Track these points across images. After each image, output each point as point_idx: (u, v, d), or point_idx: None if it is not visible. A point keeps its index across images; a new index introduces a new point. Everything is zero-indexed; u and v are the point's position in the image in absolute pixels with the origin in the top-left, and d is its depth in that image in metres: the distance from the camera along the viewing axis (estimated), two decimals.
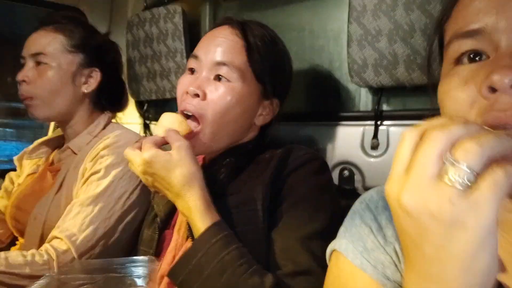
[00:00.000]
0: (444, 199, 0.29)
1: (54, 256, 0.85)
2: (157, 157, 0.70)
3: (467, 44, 0.42)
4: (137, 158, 0.71)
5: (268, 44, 0.83)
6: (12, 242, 1.12)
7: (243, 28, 0.82)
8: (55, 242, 0.88)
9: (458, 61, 0.43)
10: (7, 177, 1.20)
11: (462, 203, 0.29)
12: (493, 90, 0.37)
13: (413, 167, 0.31)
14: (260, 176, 0.77)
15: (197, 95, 0.77)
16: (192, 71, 0.82)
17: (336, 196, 0.79)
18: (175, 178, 0.70)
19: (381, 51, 0.87)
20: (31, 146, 1.17)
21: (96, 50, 1.07)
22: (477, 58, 0.41)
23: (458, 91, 0.41)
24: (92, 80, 1.07)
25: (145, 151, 0.71)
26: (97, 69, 1.07)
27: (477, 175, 0.29)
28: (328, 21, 1.11)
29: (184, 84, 0.80)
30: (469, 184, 0.29)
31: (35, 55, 1.02)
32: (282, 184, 0.75)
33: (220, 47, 0.79)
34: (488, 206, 0.28)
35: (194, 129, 0.78)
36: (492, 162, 0.29)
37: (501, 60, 0.39)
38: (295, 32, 1.17)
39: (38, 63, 1.02)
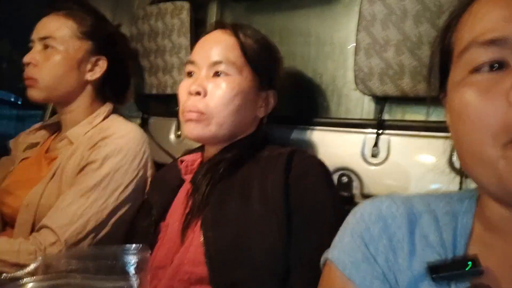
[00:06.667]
0: None
1: (41, 247, 0.83)
2: None
3: (488, 53, 0.41)
4: None
5: (258, 39, 0.89)
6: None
7: (234, 28, 0.87)
8: (43, 233, 0.86)
9: (476, 70, 0.42)
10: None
11: None
12: None
13: None
14: (266, 177, 0.77)
15: (199, 93, 0.82)
16: (190, 74, 0.87)
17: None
18: None
19: (388, 61, 0.88)
20: (28, 130, 1.14)
21: (105, 39, 1.06)
22: (496, 66, 0.41)
23: (481, 100, 0.41)
24: (98, 68, 1.06)
25: None
26: (104, 58, 1.06)
27: None
28: (335, 28, 1.12)
29: (185, 86, 0.85)
30: None
31: (44, 38, 1.00)
32: (291, 189, 0.75)
33: (214, 48, 0.84)
34: None
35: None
36: None
37: None
38: (302, 38, 1.18)
39: (46, 47, 1.00)
